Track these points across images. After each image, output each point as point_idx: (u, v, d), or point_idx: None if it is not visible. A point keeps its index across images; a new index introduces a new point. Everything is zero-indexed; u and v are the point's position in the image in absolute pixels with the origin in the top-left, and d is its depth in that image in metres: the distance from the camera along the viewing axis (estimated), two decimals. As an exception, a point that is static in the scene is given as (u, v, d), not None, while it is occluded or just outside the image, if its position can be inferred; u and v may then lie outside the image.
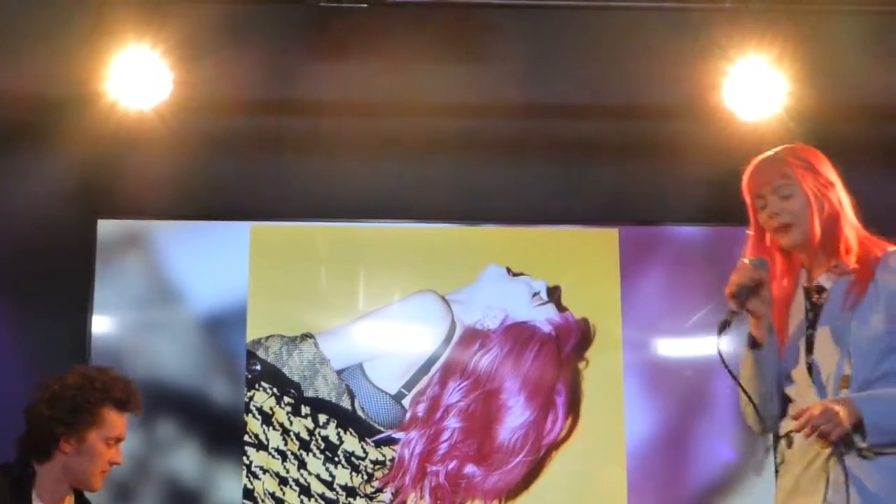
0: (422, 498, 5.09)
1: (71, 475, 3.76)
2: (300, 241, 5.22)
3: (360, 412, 5.09)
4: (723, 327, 3.19)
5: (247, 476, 5.04)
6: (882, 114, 5.30)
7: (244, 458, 5.05)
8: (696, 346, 5.21)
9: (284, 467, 5.05)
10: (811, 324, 3.28)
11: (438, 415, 5.12)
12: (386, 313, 5.21)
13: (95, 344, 5.06)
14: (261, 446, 5.06)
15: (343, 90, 5.28)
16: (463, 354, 5.16)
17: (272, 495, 5.04)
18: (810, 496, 3.14)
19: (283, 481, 5.05)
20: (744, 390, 3.28)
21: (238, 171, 5.25)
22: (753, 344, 3.27)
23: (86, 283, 5.09)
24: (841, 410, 3.07)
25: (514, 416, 5.13)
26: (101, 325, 5.10)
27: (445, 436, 5.11)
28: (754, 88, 4.87)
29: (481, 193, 5.29)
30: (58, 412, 3.73)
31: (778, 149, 3.44)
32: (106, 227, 5.15)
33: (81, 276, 5.09)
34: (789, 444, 3.25)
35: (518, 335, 5.16)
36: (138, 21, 4.76)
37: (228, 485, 5.05)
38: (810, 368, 3.24)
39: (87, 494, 3.89)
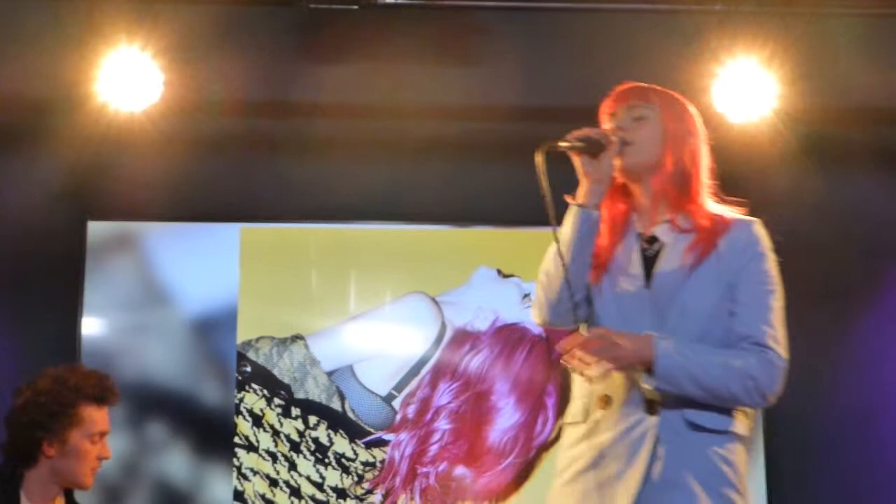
0: (412, 499, 5.09)
1: (60, 476, 3.75)
2: (290, 243, 5.22)
3: (350, 414, 5.10)
4: (546, 150, 3.07)
5: (237, 478, 5.04)
6: (872, 116, 5.31)
7: (234, 459, 5.05)
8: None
9: (275, 469, 5.05)
10: (644, 273, 3.12)
11: (429, 416, 5.12)
12: (376, 315, 5.21)
13: (85, 346, 5.06)
14: (251, 448, 5.06)
15: (333, 92, 5.28)
16: (453, 356, 5.16)
17: (262, 497, 5.04)
18: (624, 463, 2.99)
19: (273, 483, 5.05)
20: (557, 246, 3.09)
21: (228, 173, 5.24)
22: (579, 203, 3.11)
23: (76, 284, 5.08)
24: (629, 344, 2.97)
25: (505, 418, 5.13)
26: (92, 326, 5.09)
27: (436, 437, 5.12)
28: (744, 91, 4.88)
29: (472, 195, 5.29)
30: (35, 417, 3.70)
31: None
32: (96, 229, 5.15)
33: (71, 277, 5.09)
34: (606, 405, 3.07)
35: (508, 337, 5.17)
36: (129, 23, 4.76)
37: (218, 486, 5.04)
38: (625, 318, 3.09)
39: (79, 494, 3.88)
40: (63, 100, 4.93)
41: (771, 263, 3.16)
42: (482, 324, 5.18)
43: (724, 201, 3.26)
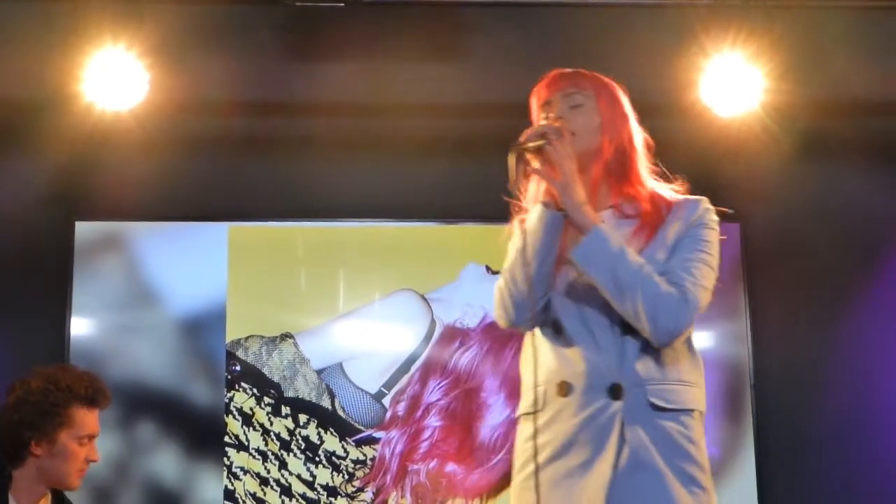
0: (403, 497, 5.09)
1: (47, 477, 3.73)
2: (279, 242, 5.22)
3: (340, 412, 5.09)
4: (518, 152, 3.03)
5: (227, 477, 5.04)
6: (859, 110, 5.32)
7: (225, 458, 5.05)
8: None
9: (265, 468, 5.05)
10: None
11: (419, 413, 5.12)
12: (365, 313, 5.21)
13: (74, 346, 5.05)
14: (241, 447, 5.05)
15: (320, 90, 5.28)
16: (443, 353, 5.16)
17: (253, 496, 5.03)
18: (592, 451, 2.97)
19: (263, 482, 5.04)
20: (522, 247, 3.04)
21: (215, 172, 5.24)
22: (545, 205, 3.05)
23: (64, 285, 5.08)
24: (580, 192, 2.98)
25: (495, 414, 5.13)
26: (80, 327, 5.09)
27: (426, 434, 5.11)
28: (731, 84, 4.88)
29: (460, 192, 5.28)
30: (25, 416, 3.68)
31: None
32: (83, 229, 5.14)
33: (59, 278, 5.08)
34: (566, 392, 3.04)
35: (497, 333, 5.16)
36: (114, 22, 4.74)
37: (209, 486, 5.04)
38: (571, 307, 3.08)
39: (69, 494, 3.87)
40: (49, 100, 4.92)
41: (713, 236, 3.13)
42: (471, 321, 5.18)
43: (666, 181, 3.23)
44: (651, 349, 3.03)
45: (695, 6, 4.91)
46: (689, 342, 3.11)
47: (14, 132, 5.11)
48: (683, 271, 3.03)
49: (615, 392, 3.00)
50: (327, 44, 5.23)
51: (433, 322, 5.18)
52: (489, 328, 5.17)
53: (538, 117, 3.22)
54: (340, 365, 5.14)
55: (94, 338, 5.11)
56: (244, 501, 5.03)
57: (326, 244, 5.22)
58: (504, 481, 5.10)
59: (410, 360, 5.15)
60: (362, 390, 5.12)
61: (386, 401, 5.12)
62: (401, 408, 5.12)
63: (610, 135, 3.15)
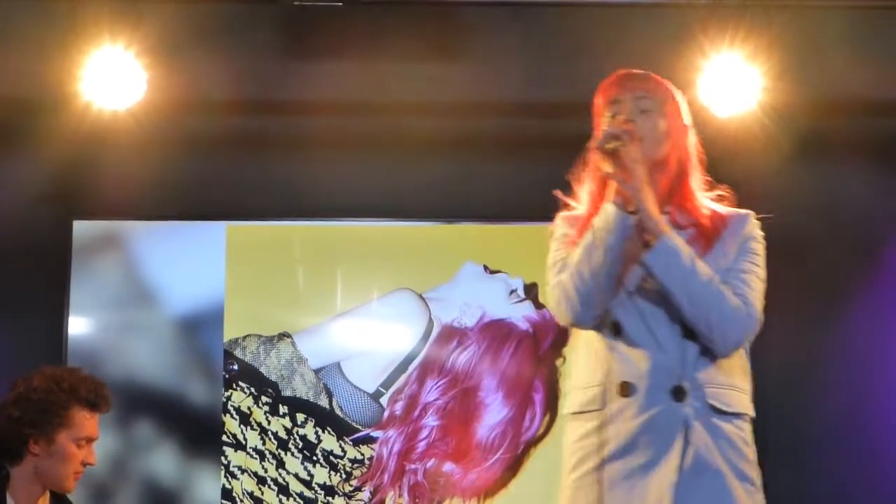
0: (400, 496, 5.09)
1: (43, 477, 3.73)
2: (277, 241, 5.21)
3: (337, 411, 5.09)
4: (603, 150, 3.04)
5: (225, 476, 5.04)
6: (857, 109, 5.31)
7: (222, 458, 5.05)
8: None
9: (263, 467, 5.05)
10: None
11: (416, 413, 5.12)
12: (363, 312, 5.21)
13: (72, 345, 5.05)
14: (239, 446, 5.05)
15: (318, 89, 5.27)
16: (440, 352, 5.16)
17: (251, 495, 5.03)
18: (654, 452, 3.02)
19: (261, 481, 5.04)
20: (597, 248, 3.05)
21: (213, 171, 5.24)
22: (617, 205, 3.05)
23: (62, 284, 5.07)
24: (651, 201, 3.02)
25: (492, 414, 5.13)
26: (78, 326, 5.09)
27: (423, 434, 5.11)
28: (729, 84, 4.88)
29: (458, 191, 5.29)
30: (26, 414, 3.68)
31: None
32: (81, 228, 5.14)
33: (57, 277, 5.08)
34: (628, 392, 3.07)
35: (495, 333, 5.16)
36: (112, 21, 4.74)
37: (207, 485, 5.04)
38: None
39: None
40: (47, 99, 4.92)
41: (762, 249, 3.21)
42: (469, 320, 5.18)
43: (712, 192, 3.28)
44: (709, 354, 3.10)
45: (693, 6, 4.91)
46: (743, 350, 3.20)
47: (12, 131, 5.11)
48: (744, 284, 3.11)
49: (678, 394, 3.05)
50: (325, 43, 5.23)
51: (431, 321, 5.18)
52: (487, 327, 5.17)
53: (604, 114, 3.21)
54: (338, 364, 5.14)
55: (92, 336, 5.10)
56: (241, 500, 5.03)
57: (324, 243, 5.22)
58: (502, 481, 5.11)
59: (408, 360, 5.15)
60: (360, 389, 5.12)
61: (384, 400, 5.12)
62: (398, 407, 5.12)
63: (675, 145, 3.19)
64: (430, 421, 5.12)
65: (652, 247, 3.04)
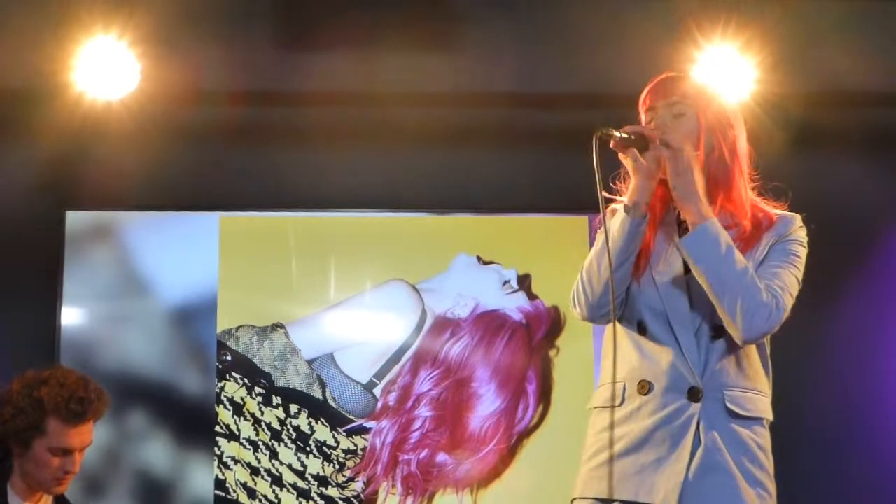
0: (393, 487, 5.09)
1: (27, 479, 3.69)
2: (270, 232, 5.21)
3: (331, 402, 5.09)
4: (601, 136, 3.06)
5: (218, 467, 5.04)
6: (850, 100, 5.32)
7: (215, 448, 5.05)
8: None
9: (256, 457, 5.05)
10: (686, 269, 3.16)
11: (410, 404, 5.12)
12: (357, 303, 5.21)
13: (65, 336, 5.05)
14: (232, 437, 5.05)
15: (312, 80, 5.27)
16: (434, 343, 5.16)
17: (244, 486, 5.03)
18: (667, 450, 3.07)
19: (254, 471, 5.04)
20: (607, 244, 3.09)
21: (206, 162, 5.23)
22: (626, 209, 3.11)
23: (54, 274, 5.07)
24: (700, 183, 3.06)
25: (486, 405, 5.13)
26: (71, 316, 5.08)
27: (417, 425, 5.12)
28: (723, 75, 4.88)
29: (451, 182, 5.29)
30: (4, 416, 3.64)
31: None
32: (74, 219, 5.13)
33: (50, 267, 5.07)
34: (646, 390, 3.13)
35: (489, 323, 5.17)
36: (105, 11, 4.74)
37: (200, 475, 5.04)
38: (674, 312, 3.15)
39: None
40: (40, 89, 4.90)
41: (803, 252, 3.25)
42: (462, 311, 5.18)
43: (766, 194, 3.31)
44: (731, 356, 3.14)
45: (687, -3, 4.92)
46: (765, 353, 3.23)
47: (4, 121, 5.10)
48: (776, 278, 3.12)
49: (694, 395, 3.09)
50: (320, 33, 5.22)
51: (424, 312, 5.18)
52: (480, 318, 5.18)
53: (644, 123, 3.26)
54: (331, 355, 5.14)
55: (85, 327, 5.10)
56: (235, 491, 5.03)
57: (318, 234, 5.22)
58: (495, 472, 5.11)
59: (401, 351, 5.15)
60: (353, 380, 5.12)
61: (377, 391, 5.12)
62: (392, 398, 5.13)
63: (708, 146, 3.18)
64: (424, 412, 5.12)
65: (691, 231, 3.06)
